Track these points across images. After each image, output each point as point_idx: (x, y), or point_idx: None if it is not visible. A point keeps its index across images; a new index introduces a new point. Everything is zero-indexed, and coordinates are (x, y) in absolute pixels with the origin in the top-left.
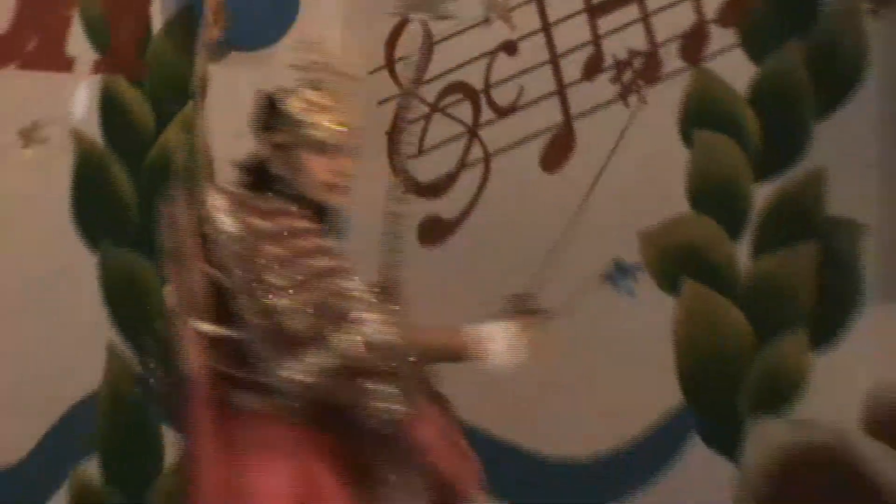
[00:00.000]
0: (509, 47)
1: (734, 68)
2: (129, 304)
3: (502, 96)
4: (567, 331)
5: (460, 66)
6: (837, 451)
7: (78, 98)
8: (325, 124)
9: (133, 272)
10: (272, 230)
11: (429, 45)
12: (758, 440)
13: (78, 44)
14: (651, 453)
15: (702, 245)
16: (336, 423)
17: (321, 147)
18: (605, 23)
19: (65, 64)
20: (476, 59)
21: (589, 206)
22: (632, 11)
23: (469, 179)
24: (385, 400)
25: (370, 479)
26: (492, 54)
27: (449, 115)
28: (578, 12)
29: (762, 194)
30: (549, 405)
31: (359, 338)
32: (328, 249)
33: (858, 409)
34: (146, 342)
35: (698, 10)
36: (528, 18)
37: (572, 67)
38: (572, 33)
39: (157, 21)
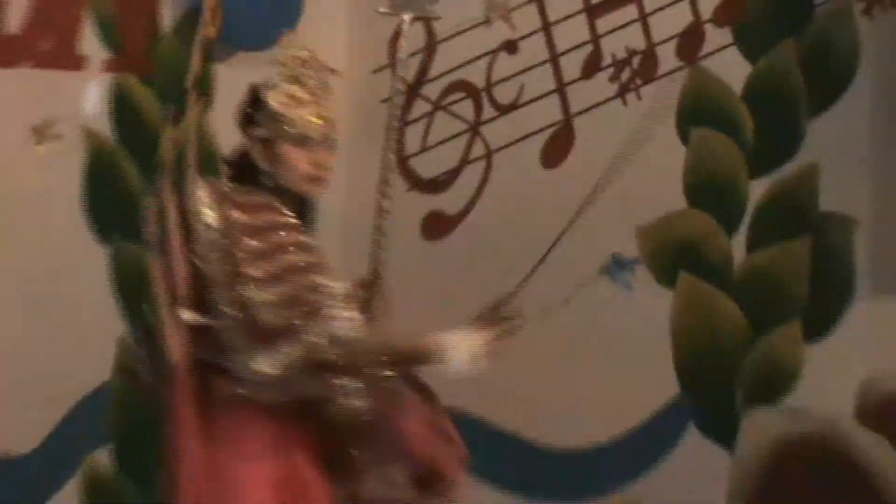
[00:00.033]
0: (510, 46)
1: (729, 67)
2: (139, 296)
3: (503, 94)
4: (566, 323)
5: (462, 65)
6: (830, 441)
7: (89, 96)
8: (306, 118)
9: (143, 265)
10: (253, 224)
11: (430, 44)
12: (752, 430)
13: (90, 43)
14: (649, 443)
15: (698, 240)
16: (316, 414)
17: (301, 140)
18: (604, 22)
19: (77, 63)
20: (478, 58)
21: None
22: (630, 11)
23: (471, 175)
24: (350, 396)
25: (351, 469)
26: (493, 53)
27: (451, 113)
28: (578, 12)
29: (757, 190)
30: (549, 396)
31: (327, 333)
32: (307, 245)
33: (851, 399)
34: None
35: (695, 10)
36: (528, 18)
37: (572, 66)
38: (572, 33)
39: (167, 21)
